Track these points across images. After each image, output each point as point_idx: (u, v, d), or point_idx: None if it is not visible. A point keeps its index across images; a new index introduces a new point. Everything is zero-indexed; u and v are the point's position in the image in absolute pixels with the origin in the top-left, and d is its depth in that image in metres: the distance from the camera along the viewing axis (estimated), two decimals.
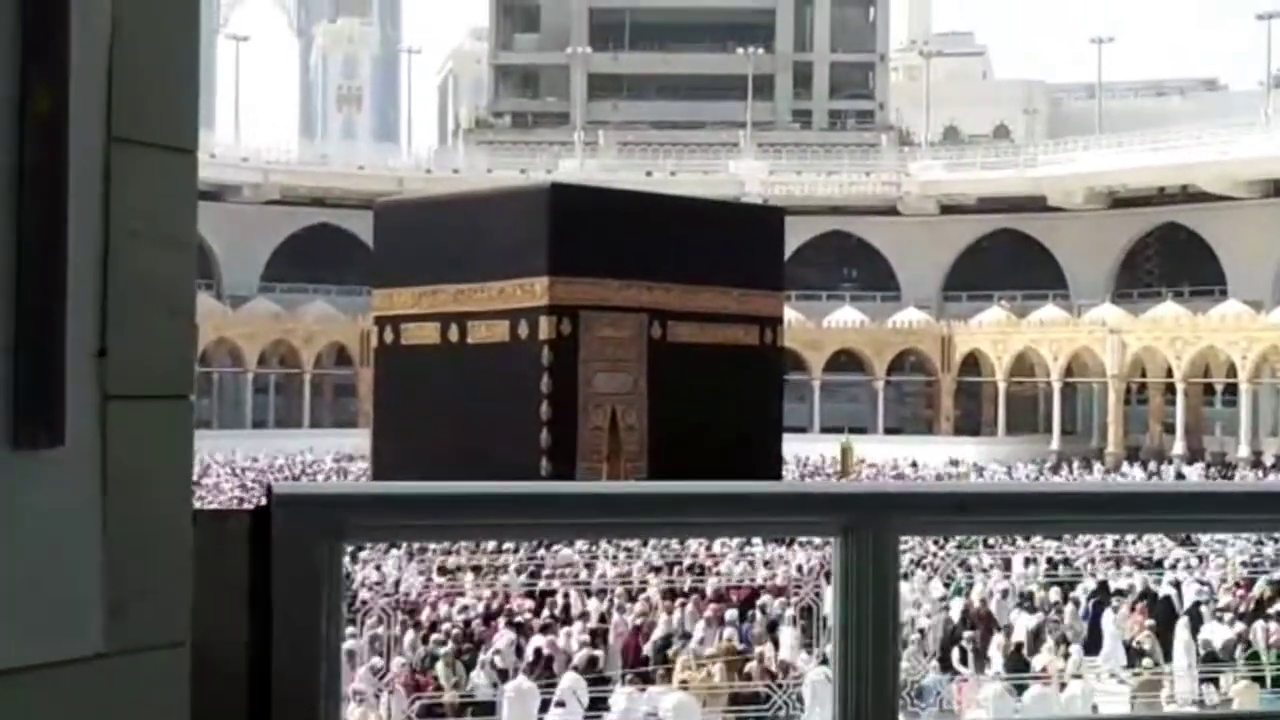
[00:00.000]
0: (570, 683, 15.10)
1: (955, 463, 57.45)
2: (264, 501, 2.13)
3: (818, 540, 18.78)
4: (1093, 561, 24.87)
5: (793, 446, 49.84)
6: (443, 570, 21.70)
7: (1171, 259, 71.65)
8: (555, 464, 36.60)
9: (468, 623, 18.49)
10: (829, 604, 18.47)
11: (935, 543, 24.17)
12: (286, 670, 2.10)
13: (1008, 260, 74.60)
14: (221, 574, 2.10)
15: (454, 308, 40.27)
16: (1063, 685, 16.09)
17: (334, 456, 55.30)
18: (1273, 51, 73.59)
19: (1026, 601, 21.36)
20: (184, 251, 1.91)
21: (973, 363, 68.18)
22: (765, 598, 20.27)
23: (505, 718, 14.70)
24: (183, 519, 1.94)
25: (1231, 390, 61.43)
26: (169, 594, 1.90)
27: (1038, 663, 17.19)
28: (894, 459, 57.03)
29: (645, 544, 23.96)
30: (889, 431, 66.07)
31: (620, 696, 15.08)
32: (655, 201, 44.63)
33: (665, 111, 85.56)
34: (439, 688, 15.48)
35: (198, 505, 2.03)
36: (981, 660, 17.60)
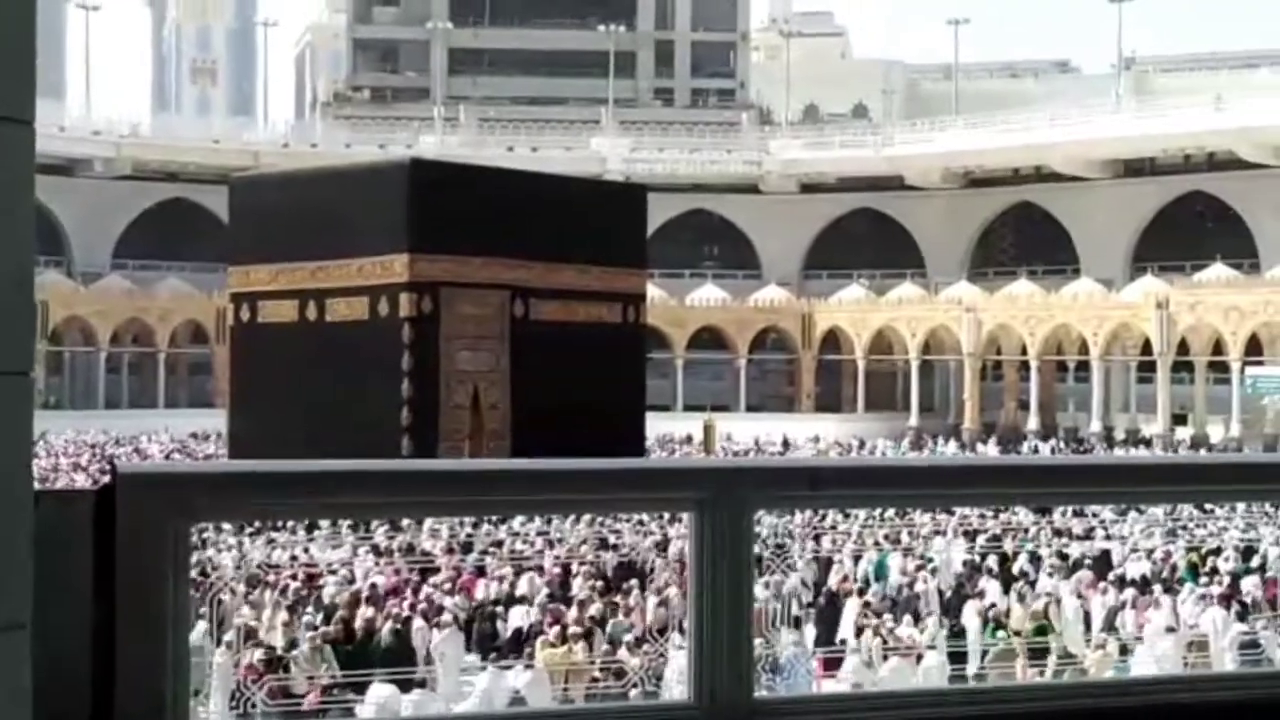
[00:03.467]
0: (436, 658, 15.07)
1: (815, 439, 58.12)
2: (109, 481, 2.08)
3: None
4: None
5: (656, 425, 50.02)
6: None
7: (1026, 238, 73.11)
8: (416, 443, 36.33)
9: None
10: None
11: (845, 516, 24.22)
12: (131, 653, 2.06)
13: (867, 239, 75.62)
14: (65, 555, 2.05)
15: (312, 285, 39.73)
16: (919, 657, 16.36)
17: (176, 436, 54.27)
18: (1124, 34, 75.35)
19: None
20: (22, 225, 1.86)
21: (833, 340, 69.01)
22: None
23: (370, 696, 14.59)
24: (23, 500, 1.89)
25: (1084, 367, 62.88)
26: (9, 576, 1.86)
27: (901, 634, 17.45)
28: (757, 436, 57.51)
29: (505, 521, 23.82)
30: (751, 409, 66.64)
31: (482, 676, 15.08)
32: (517, 178, 44.38)
33: (527, 87, 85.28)
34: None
35: (46, 486, 1.99)
36: (833, 632, 17.86)
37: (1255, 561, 22.26)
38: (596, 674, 15.14)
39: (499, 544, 22.96)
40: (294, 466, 2.23)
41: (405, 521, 20.80)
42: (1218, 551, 22.88)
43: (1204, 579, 20.59)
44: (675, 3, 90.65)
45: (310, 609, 17.84)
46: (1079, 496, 4.24)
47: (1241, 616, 18.00)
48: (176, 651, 2.11)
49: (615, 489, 2.67)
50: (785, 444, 56.47)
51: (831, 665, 16.08)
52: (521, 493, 2.56)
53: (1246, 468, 3.35)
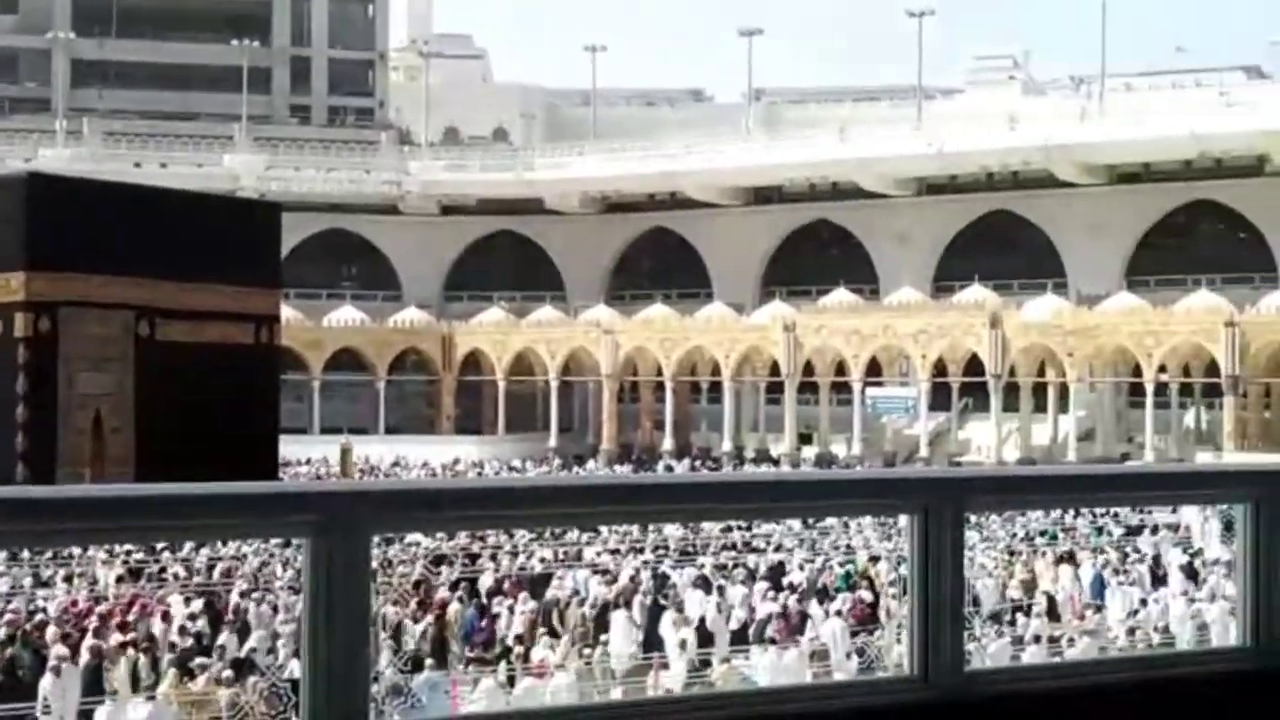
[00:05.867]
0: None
1: (456, 461, 57.97)
2: None
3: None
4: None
5: (293, 448, 49.01)
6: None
7: (662, 262, 74.83)
8: (33, 469, 34.60)
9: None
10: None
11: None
12: None
13: (507, 261, 76.06)
14: None
15: None
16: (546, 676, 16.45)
17: None
18: (755, 66, 78.00)
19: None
20: None
21: (474, 362, 69.06)
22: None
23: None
24: None
25: (716, 388, 64.68)
26: None
27: (535, 655, 17.50)
28: (398, 459, 56.99)
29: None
30: (390, 431, 65.99)
31: (101, 711, 14.40)
32: (143, 194, 42.88)
33: (156, 101, 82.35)
34: None
35: None
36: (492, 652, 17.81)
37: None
38: (219, 706, 14.65)
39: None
40: None
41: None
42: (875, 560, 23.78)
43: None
44: (311, 20, 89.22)
45: None
46: (730, 512, 4.32)
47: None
48: None
49: (222, 515, 2.55)
50: (425, 467, 56.17)
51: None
52: (128, 519, 2.41)
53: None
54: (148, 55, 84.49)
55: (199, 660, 15.93)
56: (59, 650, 16.35)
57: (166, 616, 19.07)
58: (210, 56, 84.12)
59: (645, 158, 72.99)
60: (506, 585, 22.02)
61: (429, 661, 16.17)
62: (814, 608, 20.30)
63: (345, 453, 52.80)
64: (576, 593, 21.80)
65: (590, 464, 61.09)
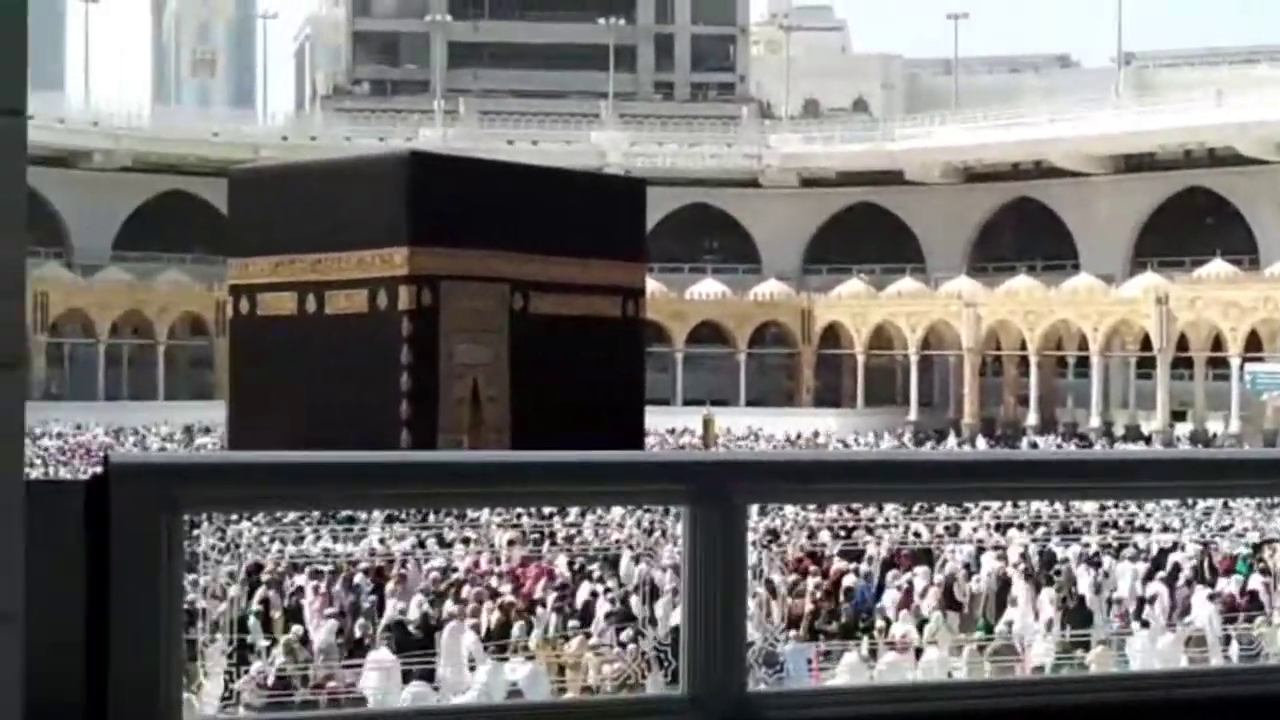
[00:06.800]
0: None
1: (816, 434, 58.10)
2: (101, 471, 2.08)
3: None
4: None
5: (656, 419, 50.04)
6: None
7: (1025, 233, 73.06)
8: (416, 436, 36.35)
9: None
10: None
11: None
12: (123, 643, 2.06)
13: (866, 233, 75.53)
14: (57, 546, 2.05)
15: (312, 277, 39.78)
16: (919, 652, 16.35)
17: (175, 428, 54.30)
18: (1124, 29, 75.28)
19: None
20: (11, 215, 1.86)
21: (833, 335, 69.01)
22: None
23: (365, 685, 14.63)
24: (14, 489, 1.89)
25: (1083, 363, 62.85)
26: None
27: (895, 631, 17.43)
28: (756, 430, 57.53)
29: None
30: (751, 403, 66.61)
31: (481, 669, 15.09)
32: (516, 171, 44.44)
33: (527, 81, 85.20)
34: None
35: (45, 476, 1.99)
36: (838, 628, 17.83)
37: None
38: (591, 666, 15.15)
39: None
40: (286, 458, 2.24)
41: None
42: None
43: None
44: None
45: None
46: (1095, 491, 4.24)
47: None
48: (169, 642, 2.12)
49: (607, 482, 2.67)
50: (787, 439, 56.50)
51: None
52: (509, 486, 2.56)
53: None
54: (519, 36, 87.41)
55: (574, 624, 16.49)
56: (449, 608, 17.23)
57: (551, 577, 19.78)
58: (578, 35, 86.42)
59: (1009, 126, 71.41)
60: (898, 558, 21.86)
61: (793, 632, 16.34)
62: (1197, 592, 19.50)
63: (707, 423, 53.63)
64: (967, 566, 21.48)
65: (950, 439, 60.28)
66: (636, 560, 21.00)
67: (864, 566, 21.31)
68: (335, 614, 17.34)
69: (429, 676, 14.84)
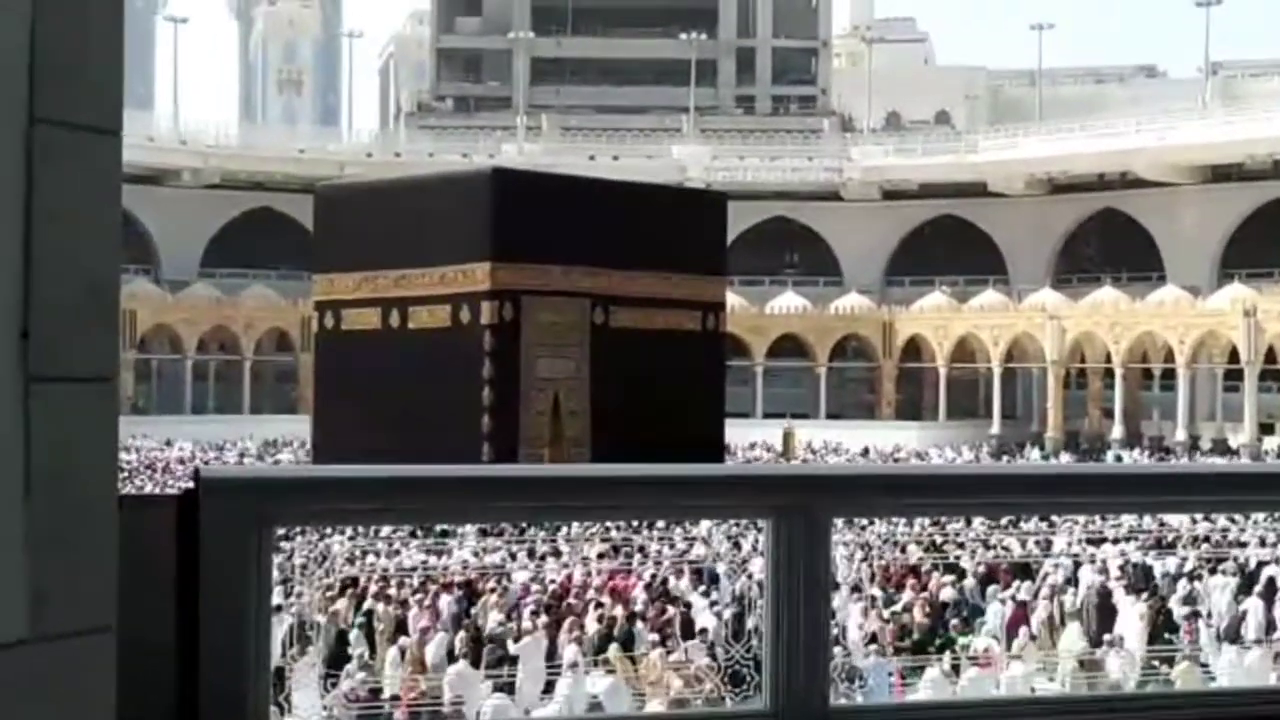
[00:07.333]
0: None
1: (898, 448, 57.75)
2: (192, 485, 2.11)
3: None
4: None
5: (736, 432, 49.91)
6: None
7: (1110, 245, 72.26)
8: (497, 449, 36.49)
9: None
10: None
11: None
12: (214, 655, 2.09)
13: (949, 246, 74.99)
14: (149, 559, 2.08)
15: (395, 293, 40.11)
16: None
17: (264, 441, 54.86)
18: (1210, 38, 74.37)
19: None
20: (107, 233, 1.90)
21: (914, 348, 68.57)
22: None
23: (447, 698, 14.70)
24: (107, 503, 1.92)
25: (1169, 375, 62.04)
26: (93, 579, 1.89)
27: (978, 645, 17.29)
28: (837, 444, 57.25)
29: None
30: (831, 417, 66.32)
31: (563, 682, 15.12)
32: (597, 186, 44.56)
33: (608, 96, 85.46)
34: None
35: (134, 491, 2.02)
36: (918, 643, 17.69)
37: None
38: (673, 680, 15.12)
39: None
40: (372, 472, 2.26)
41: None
42: None
43: None
44: (757, 10, 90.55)
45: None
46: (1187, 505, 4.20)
47: None
48: (258, 654, 2.14)
49: (693, 496, 2.68)
50: (865, 452, 56.19)
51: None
52: (596, 499, 2.57)
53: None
54: (601, 51, 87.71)
55: (652, 637, 16.47)
56: (527, 622, 17.29)
57: (635, 592, 19.77)
58: (659, 50, 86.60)
59: (1093, 137, 70.71)
60: (999, 572, 21.64)
61: (873, 646, 16.24)
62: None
63: (788, 437, 53.47)
64: (1070, 581, 21.22)
65: (1034, 452, 59.69)
66: (718, 576, 20.95)
67: (969, 582, 21.07)
68: (444, 628, 17.39)
69: (510, 689, 14.88)
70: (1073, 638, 18.10)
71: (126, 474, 39.24)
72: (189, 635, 2.08)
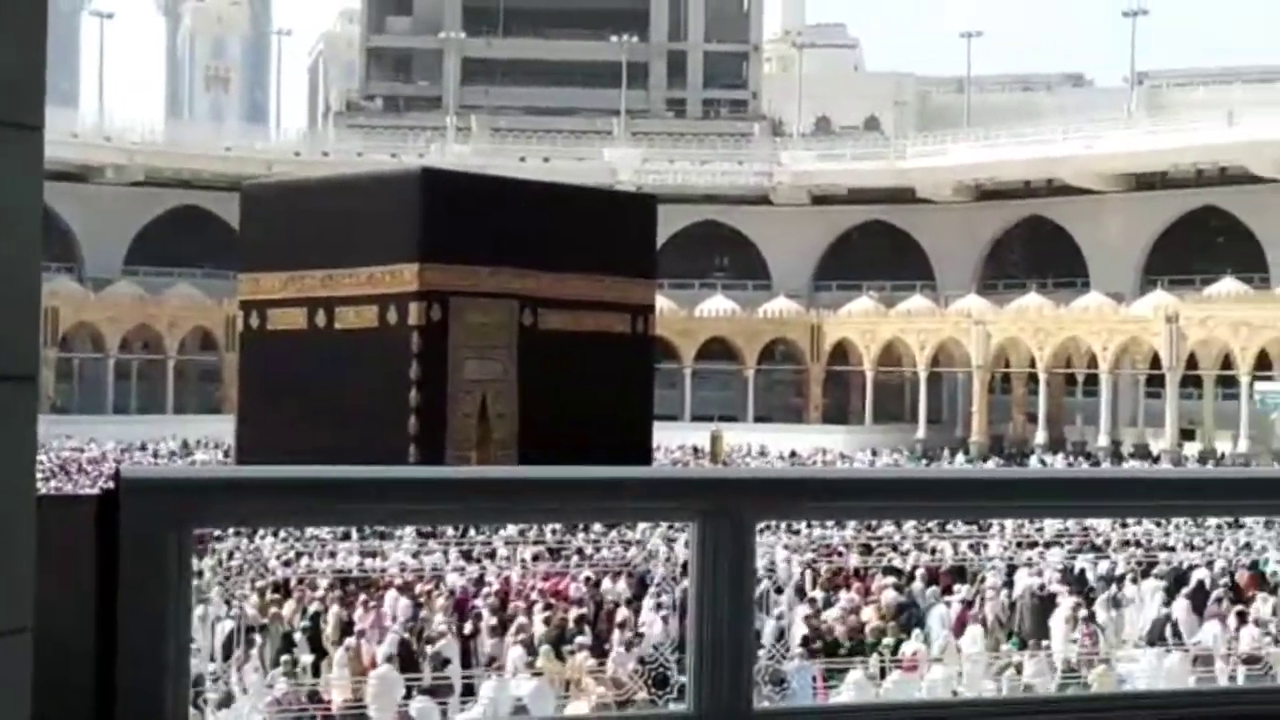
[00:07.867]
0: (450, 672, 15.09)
1: (824, 451, 58.02)
2: (112, 486, 2.09)
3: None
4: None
5: (664, 435, 50.00)
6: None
7: (1036, 251, 73.05)
8: (424, 451, 36.37)
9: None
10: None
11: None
12: (132, 657, 2.07)
13: (877, 251, 75.55)
14: (68, 560, 2.06)
15: (322, 293, 39.87)
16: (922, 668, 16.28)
17: (183, 442, 54.25)
18: (1136, 48, 75.30)
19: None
20: (28, 230, 1.87)
21: (841, 352, 68.95)
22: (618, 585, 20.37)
23: (371, 703, 14.63)
24: (25, 504, 1.90)
25: (1092, 381, 62.70)
26: (9, 580, 1.87)
27: (904, 650, 17.37)
28: (763, 447, 57.46)
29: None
30: (759, 420, 66.56)
31: (487, 685, 15.08)
32: (527, 188, 44.48)
33: (539, 97, 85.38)
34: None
35: (53, 490, 1.99)
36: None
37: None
38: (598, 684, 15.12)
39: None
40: (295, 473, 2.24)
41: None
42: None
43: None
44: (688, 14, 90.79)
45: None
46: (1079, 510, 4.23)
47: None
48: (177, 657, 2.12)
49: (616, 498, 2.67)
50: (792, 455, 56.43)
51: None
52: (519, 502, 2.56)
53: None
54: (532, 52, 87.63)
55: (579, 640, 16.45)
56: (439, 624, 17.23)
57: (566, 595, 19.74)
58: (590, 53, 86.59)
59: (1021, 144, 71.44)
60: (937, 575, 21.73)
61: (799, 650, 16.29)
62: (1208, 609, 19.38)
63: (715, 440, 53.61)
64: (1008, 584, 21.35)
65: (959, 457, 60.17)
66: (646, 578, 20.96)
67: (919, 584, 21.16)
68: (397, 631, 17.26)
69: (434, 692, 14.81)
70: (977, 641, 18.22)
71: (46, 474, 38.74)
72: (108, 637, 2.06)
